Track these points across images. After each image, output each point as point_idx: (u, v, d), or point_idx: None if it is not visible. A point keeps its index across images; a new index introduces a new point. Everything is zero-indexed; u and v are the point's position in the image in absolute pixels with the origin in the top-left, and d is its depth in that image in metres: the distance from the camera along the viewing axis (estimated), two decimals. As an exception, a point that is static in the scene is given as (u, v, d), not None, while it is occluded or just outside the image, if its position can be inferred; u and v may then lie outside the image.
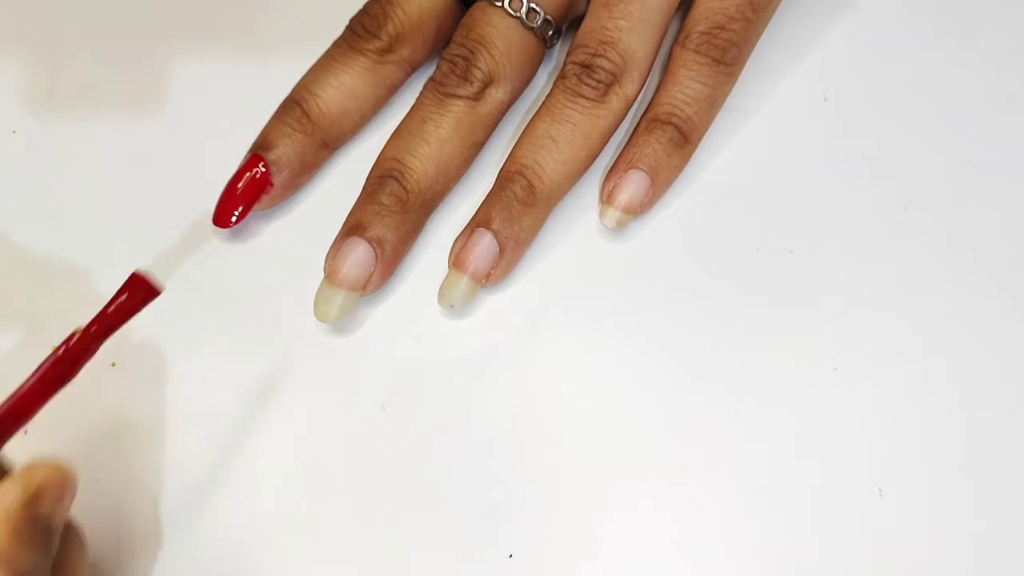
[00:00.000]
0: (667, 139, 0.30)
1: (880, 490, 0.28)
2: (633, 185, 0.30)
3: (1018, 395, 0.29)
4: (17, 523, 0.22)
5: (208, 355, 0.30)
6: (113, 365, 0.30)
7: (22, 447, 0.25)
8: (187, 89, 0.33)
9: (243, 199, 0.30)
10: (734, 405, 0.29)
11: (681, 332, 0.30)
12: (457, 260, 0.30)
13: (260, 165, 0.30)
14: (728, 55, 0.30)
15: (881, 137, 0.32)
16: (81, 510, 0.29)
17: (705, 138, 0.32)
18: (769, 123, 0.32)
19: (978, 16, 0.33)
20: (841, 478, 0.28)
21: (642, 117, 0.31)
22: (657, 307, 0.30)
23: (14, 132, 0.33)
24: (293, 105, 0.31)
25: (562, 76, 0.30)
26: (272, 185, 0.30)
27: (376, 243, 0.29)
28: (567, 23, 0.32)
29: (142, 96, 0.33)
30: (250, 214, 0.30)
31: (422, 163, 0.30)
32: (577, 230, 0.31)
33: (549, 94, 0.30)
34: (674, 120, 0.30)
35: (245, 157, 0.31)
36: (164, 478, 0.29)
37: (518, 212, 0.29)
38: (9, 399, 0.24)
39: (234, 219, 0.30)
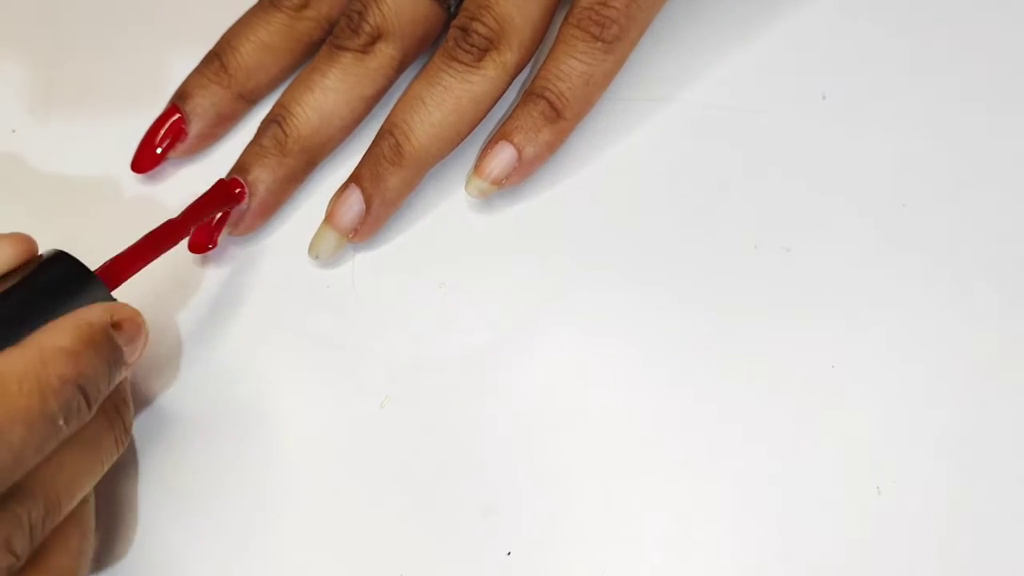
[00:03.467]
0: (538, 113, 0.30)
1: (878, 488, 0.28)
2: (498, 157, 0.30)
3: (1017, 393, 0.29)
4: (94, 334, 0.24)
5: (208, 353, 0.30)
6: (112, 363, 0.30)
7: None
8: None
9: (160, 147, 0.32)
10: (732, 403, 0.29)
11: (679, 330, 0.30)
12: (328, 214, 0.31)
13: (176, 115, 0.32)
14: (608, 32, 0.29)
15: (879, 135, 0.32)
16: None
17: (703, 135, 0.32)
18: (767, 121, 0.32)
19: (976, 14, 0.33)
20: (839, 476, 0.28)
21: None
22: (655, 305, 0.30)
23: (14, 131, 0.33)
24: (213, 58, 0.32)
25: (445, 41, 0.30)
26: (187, 134, 0.32)
27: (252, 184, 0.30)
28: None
29: (142, 96, 0.33)
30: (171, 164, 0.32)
31: (303, 110, 0.31)
32: (575, 229, 0.31)
33: (430, 57, 0.31)
34: (546, 95, 0.30)
35: (166, 107, 0.32)
36: (163, 476, 0.29)
37: (385, 170, 0.30)
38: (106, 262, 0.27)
39: (150, 166, 0.32)
